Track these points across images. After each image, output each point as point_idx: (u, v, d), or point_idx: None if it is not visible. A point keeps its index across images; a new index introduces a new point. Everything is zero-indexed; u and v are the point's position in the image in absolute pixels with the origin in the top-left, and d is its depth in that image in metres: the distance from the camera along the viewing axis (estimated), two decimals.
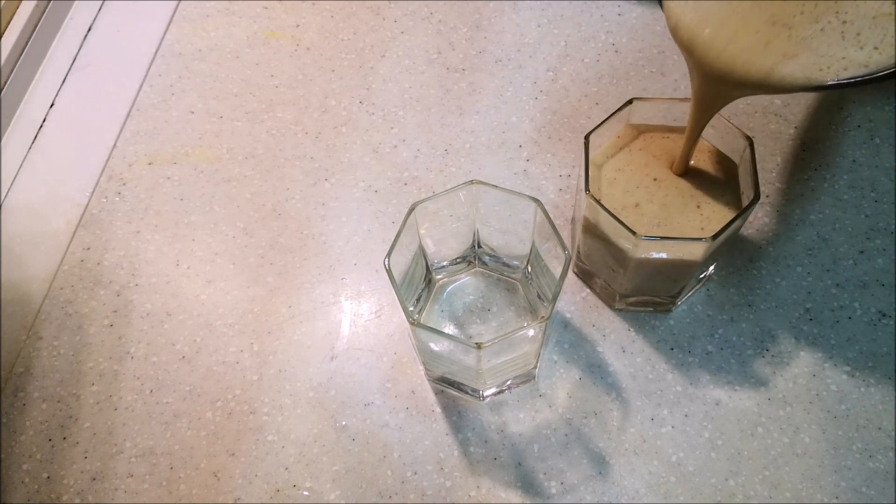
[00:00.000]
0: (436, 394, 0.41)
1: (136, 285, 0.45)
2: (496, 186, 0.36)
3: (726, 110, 0.48)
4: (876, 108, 0.48)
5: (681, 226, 0.36)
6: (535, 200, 0.35)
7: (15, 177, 0.50)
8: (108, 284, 0.45)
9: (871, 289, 0.42)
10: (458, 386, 0.40)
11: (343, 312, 0.44)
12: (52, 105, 0.53)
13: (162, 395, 0.42)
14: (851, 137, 0.47)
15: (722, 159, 0.38)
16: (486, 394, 0.40)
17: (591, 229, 0.38)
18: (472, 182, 0.36)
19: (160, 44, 0.55)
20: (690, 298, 0.42)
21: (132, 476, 0.40)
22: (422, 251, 0.40)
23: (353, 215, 0.47)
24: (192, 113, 0.52)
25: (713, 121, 0.38)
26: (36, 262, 0.46)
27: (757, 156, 0.36)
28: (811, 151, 0.47)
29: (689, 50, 0.32)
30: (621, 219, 0.35)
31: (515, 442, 0.39)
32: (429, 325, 0.36)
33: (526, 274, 0.42)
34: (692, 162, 0.38)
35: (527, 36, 0.53)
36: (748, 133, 0.36)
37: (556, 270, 0.36)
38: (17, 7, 0.53)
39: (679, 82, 0.50)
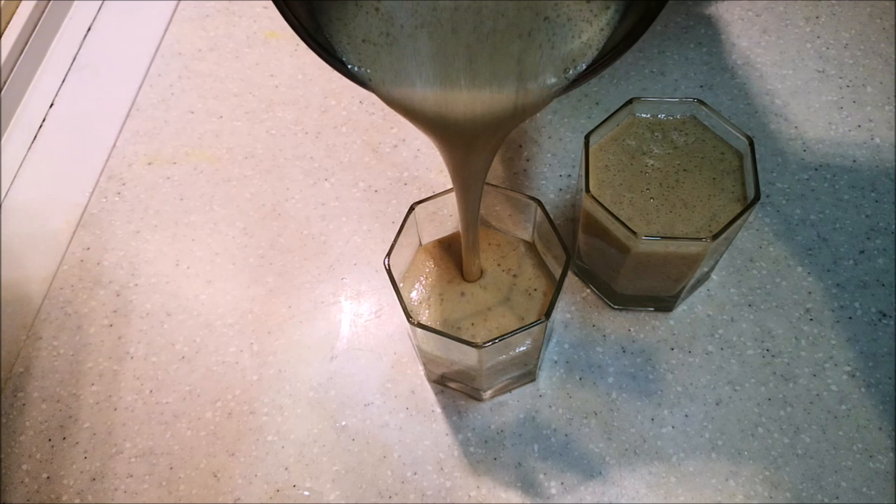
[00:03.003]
0: (436, 394, 0.41)
1: (136, 285, 0.45)
2: (496, 186, 0.36)
3: (726, 110, 0.48)
4: (876, 108, 0.48)
5: (681, 225, 0.36)
6: (535, 200, 0.35)
7: (15, 177, 0.50)
8: (107, 284, 0.45)
9: (871, 289, 0.42)
10: (458, 386, 0.40)
11: (343, 312, 0.44)
12: (52, 105, 0.53)
13: (162, 395, 0.42)
14: (851, 137, 0.47)
15: (722, 159, 0.38)
16: (486, 394, 0.40)
17: (591, 229, 0.38)
18: None
19: (160, 44, 0.55)
20: (690, 298, 0.42)
21: (132, 476, 0.40)
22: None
23: (353, 215, 0.47)
24: (192, 113, 0.52)
25: (714, 120, 0.38)
26: (36, 262, 0.46)
27: (757, 156, 0.36)
28: (811, 151, 0.47)
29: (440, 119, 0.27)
30: (621, 218, 0.35)
31: (515, 442, 0.39)
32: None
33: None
34: (699, 159, 0.38)
35: None
36: (748, 133, 0.36)
37: (556, 270, 0.36)
38: (17, 7, 0.53)
39: (679, 82, 0.50)
